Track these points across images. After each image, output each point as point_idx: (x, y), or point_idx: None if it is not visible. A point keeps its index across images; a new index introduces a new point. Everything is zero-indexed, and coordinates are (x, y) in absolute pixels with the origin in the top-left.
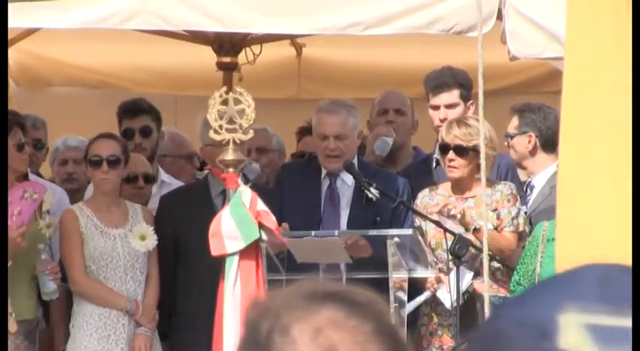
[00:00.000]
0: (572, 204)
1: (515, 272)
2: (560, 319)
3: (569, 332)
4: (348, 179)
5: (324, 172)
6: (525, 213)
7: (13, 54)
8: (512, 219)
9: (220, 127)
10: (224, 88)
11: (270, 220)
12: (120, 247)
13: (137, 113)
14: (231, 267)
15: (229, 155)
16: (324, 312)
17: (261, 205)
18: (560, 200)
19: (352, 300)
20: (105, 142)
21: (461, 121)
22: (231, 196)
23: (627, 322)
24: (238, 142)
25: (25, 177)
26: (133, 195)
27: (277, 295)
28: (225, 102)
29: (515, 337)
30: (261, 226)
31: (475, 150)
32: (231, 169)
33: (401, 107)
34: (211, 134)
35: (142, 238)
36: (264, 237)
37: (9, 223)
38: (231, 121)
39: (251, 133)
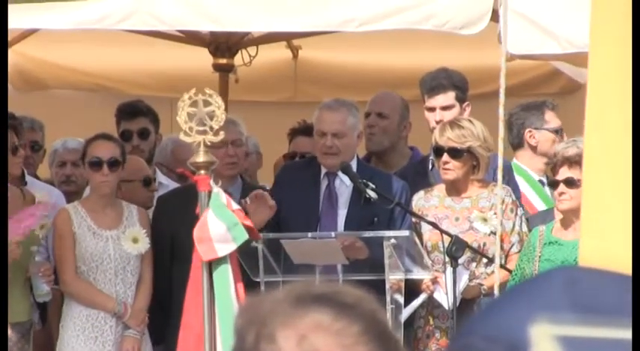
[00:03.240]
0: (595, 204)
1: (511, 278)
2: (531, 331)
3: (541, 346)
4: (346, 179)
5: (322, 172)
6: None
7: (10, 56)
8: (518, 233)
9: (190, 129)
10: (193, 90)
11: (246, 218)
12: (111, 248)
13: (135, 115)
14: (227, 270)
15: (200, 157)
16: (310, 316)
17: (235, 205)
18: (585, 200)
19: (340, 302)
20: (104, 143)
21: (454, 124)
22: (203, 199)
23: (598, 333)
24: (209, 143)
25: (21, 178)
26: (149, 198)
27: (264, 301)
28: (194, 104)
29: None
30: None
31: (469, 151)
32: (202, 171)
33: (383, 111)
34: (181, 136)
35: (135, 240)
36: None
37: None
38: (201, 123)
39: (222, 135)
